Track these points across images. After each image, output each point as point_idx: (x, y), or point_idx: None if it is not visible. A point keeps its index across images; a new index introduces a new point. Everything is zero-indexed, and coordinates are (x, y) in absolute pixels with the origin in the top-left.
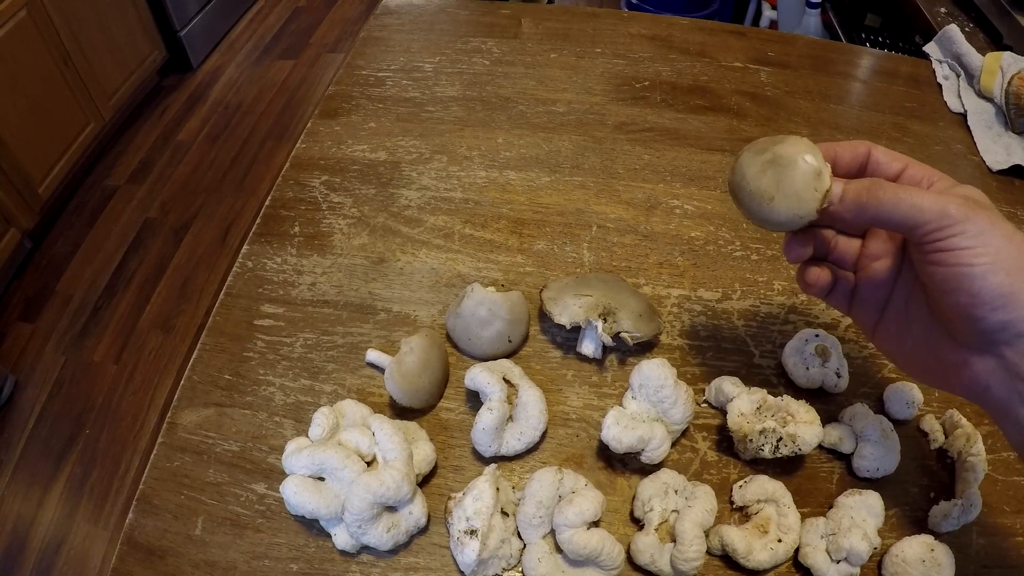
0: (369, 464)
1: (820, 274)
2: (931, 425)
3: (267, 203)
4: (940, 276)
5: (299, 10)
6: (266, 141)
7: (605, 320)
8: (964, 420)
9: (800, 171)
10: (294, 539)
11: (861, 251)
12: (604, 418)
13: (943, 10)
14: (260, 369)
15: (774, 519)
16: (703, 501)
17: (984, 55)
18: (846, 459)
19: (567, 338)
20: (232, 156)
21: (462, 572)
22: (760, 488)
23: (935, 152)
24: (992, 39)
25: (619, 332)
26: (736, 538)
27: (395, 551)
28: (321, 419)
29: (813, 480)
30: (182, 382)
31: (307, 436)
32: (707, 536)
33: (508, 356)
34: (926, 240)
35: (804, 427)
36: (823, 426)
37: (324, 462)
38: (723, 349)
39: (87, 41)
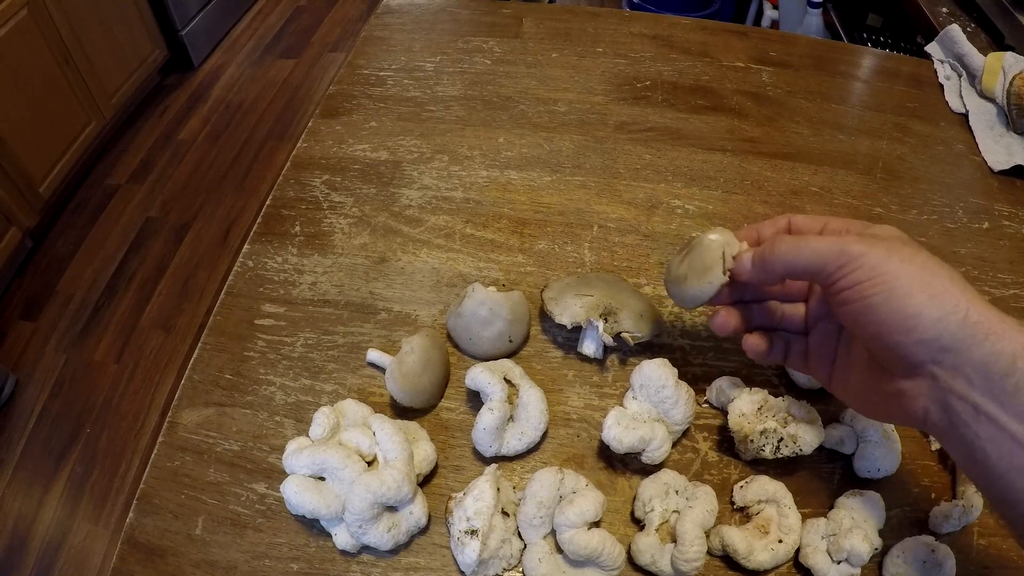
0: (370, 464)
1: (751, 340)
2: None
3: (268, 202)
4: (850, 314)
5: (300, 9)
6: (267, 140)
7: (606, 320)
8: None
9: (704, 247)
10: (295, 539)
11: (807, 314)
12: (605, 418)
13: (945, 10)
14: (261, 369)
15: (775, 520)
16: (704, 501)
17: (986, 55)
18: (847, 460)
19: (568, 338)
20: (233, 155)
21: (462, 572)
22: (761, 489)
23: (936, 152)
24: (994, 39)
25: (620, 332)
26: (737, 539)
27: (396, 551)
28: (322, 419)
29: (814, 481)
30: (183, 382)
31: (308, 436)
32: (708, 537)
33: (509, 356)
34: (830, 281)
35: (805, 428)
36: (824, 427)
37: (325, 462)
38: (724, 349)
39: (88, 40)
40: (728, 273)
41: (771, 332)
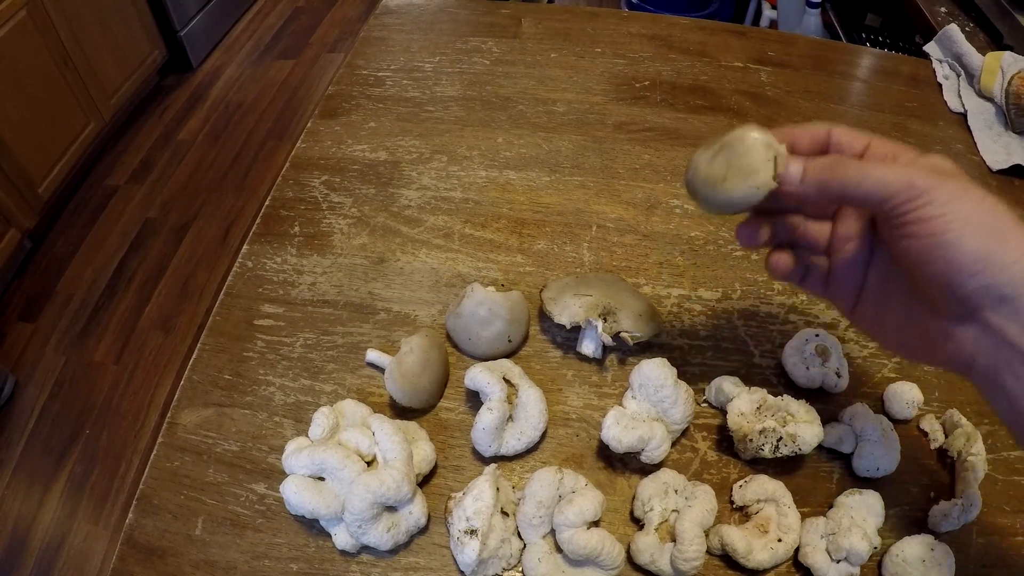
0: (369, 464)
1: (779, 258)
2: (931, 425)
3: (267, 203)
4: (913, 248)
5: (299, 10)
6: (266, 141)
7: (605, 320)
8: (964, 420)
9: (748, 145)
10: (294, 539)
11: (832, 234)
12: (604, 418)
13: (943, 10)
14: (260, 369)
15: (774, 519)
16: (703, 501)
17: (984, 55)
18: (846, 459)
19: (567, 338)
20: (232, 156)
21: (462, 572)
22: (760, 488)
23: (935, 152)
24: (993, 39)
25: (619, 332)
26: (736, 538)
27: (395, 551)
28: (321, 419)
29: (813, 480)
30: (182, 382)
31: (307, 436)
32: (707, 536)
33: (508, 356)
34: (895, 213)
35: (804, 427)
36: (823, 426)
37: (324, 462)
38: (723, 349)
39: (87, 41)
40: (777, 178)
41: (789, 249)
